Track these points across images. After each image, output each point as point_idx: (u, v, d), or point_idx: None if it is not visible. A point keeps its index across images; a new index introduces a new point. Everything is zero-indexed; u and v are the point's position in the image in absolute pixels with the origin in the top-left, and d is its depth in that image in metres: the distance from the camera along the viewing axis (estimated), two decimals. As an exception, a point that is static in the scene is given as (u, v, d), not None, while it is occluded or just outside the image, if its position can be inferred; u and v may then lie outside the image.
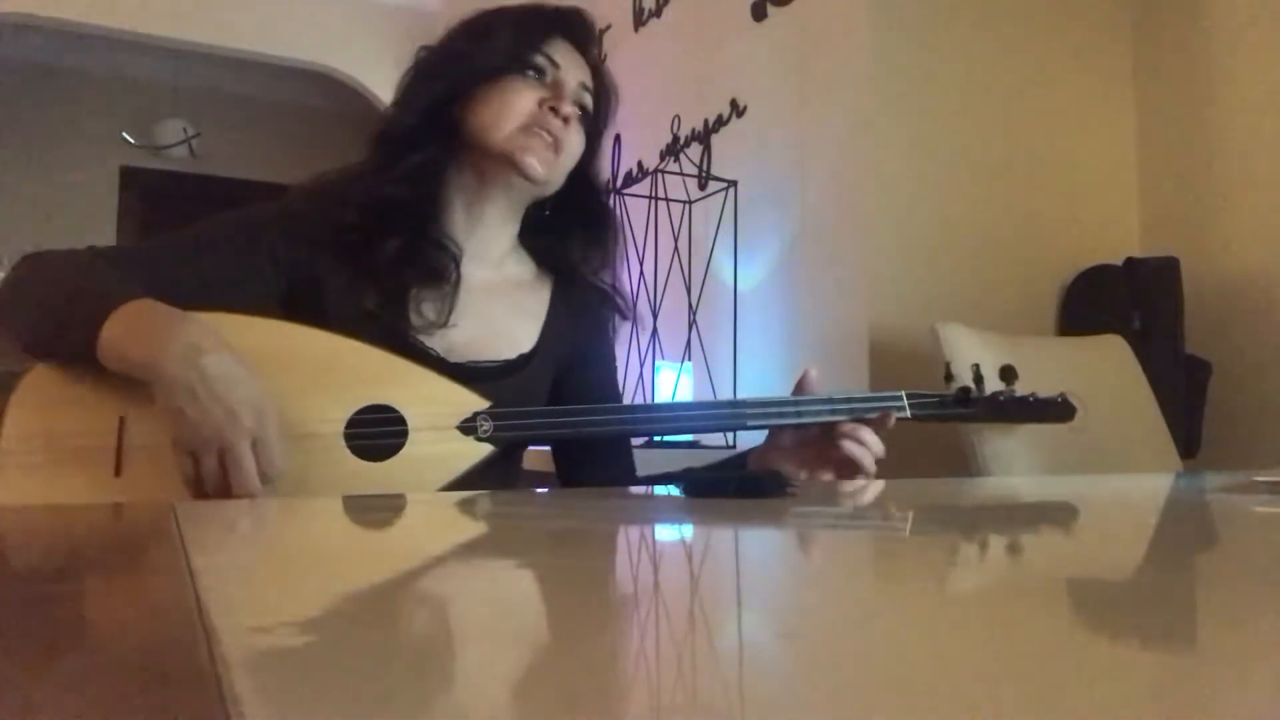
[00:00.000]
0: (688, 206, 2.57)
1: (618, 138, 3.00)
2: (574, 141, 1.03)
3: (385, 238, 0.97)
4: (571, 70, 1.04)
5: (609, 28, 3.11)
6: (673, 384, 2.37)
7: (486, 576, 0.42)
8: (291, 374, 0.85)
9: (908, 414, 1.00)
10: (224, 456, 0.78)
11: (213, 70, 5.05)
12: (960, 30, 2.18)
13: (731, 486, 0.75)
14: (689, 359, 2.44)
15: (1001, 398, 1.01)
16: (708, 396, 2.34)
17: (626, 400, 2.51)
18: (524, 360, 1.03)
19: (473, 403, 0.90)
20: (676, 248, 2.52)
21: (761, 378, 2.31)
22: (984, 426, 1.62)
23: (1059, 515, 0.73)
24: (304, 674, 0.23)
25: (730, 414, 0.99)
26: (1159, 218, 2.28)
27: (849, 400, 0.97)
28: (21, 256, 0.91)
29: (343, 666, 0.24)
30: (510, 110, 0.99)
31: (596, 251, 1.12)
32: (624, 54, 3.05)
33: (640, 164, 2.82)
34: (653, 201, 2.55)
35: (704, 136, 2.58)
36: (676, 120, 2.70)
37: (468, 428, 0.89)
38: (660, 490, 0.87)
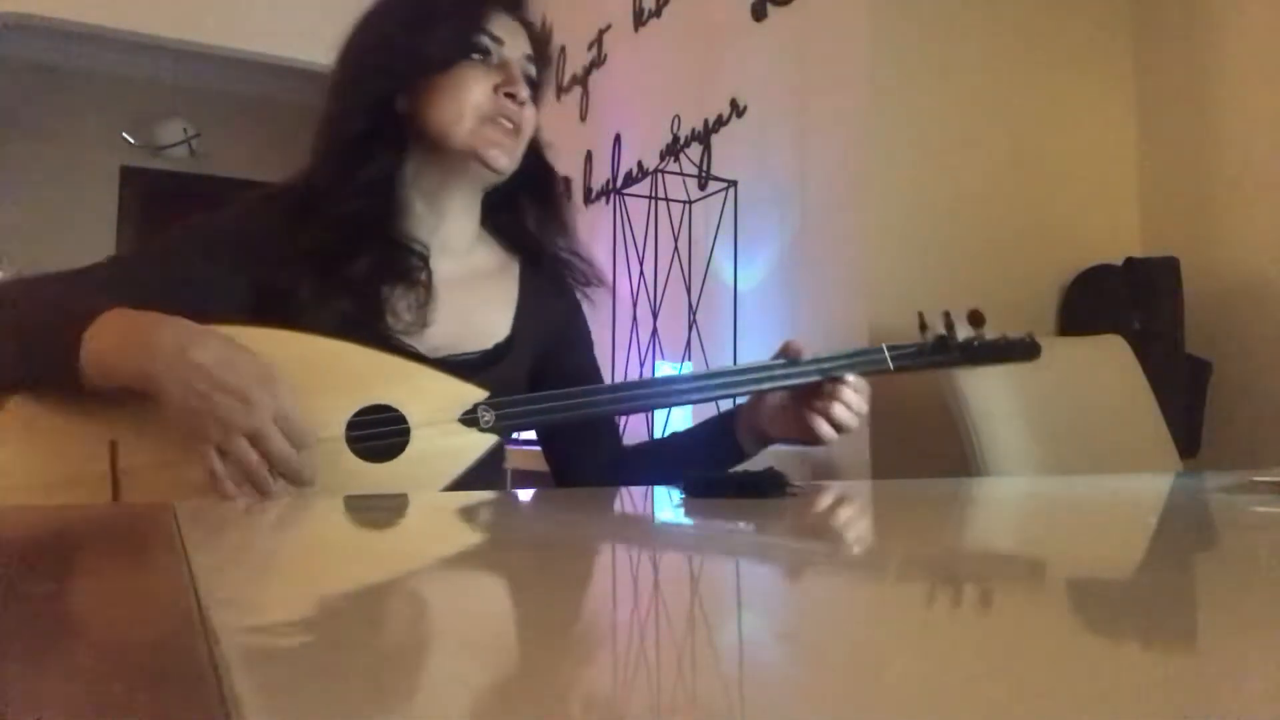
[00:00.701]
0: (688, 206, 2.57)
1: (617, 137, 3.00)
2: (532, 120, 1.02)
3: (352, 253, 0.94)
4: (515, 43, 1.01)
5: (609, 28, 3.11)
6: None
7: (486, 577, 0.42)
8: (287, 379, 0.84)
9: (890, 366, 1.00)
10: (252, 438, 0.75)
11: (213, 70, 5.05)
12: (960, 30, 2.17)
13: (731, 487, 0.75)
14: (689, 359, 2.44)
15: (975, 342, 1.02)
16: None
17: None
18: (502, 349, 1.02)
19: (469, 394, 0.90)
20: (676, 248, 2.52)
21: (761, 378, 2.31)
22: (979, 424, 1.62)
23: (1059, 515, 0.73)
24: (303, 674, 0.23)
25: (723, 382, 0.98)
26: (1159, 218, 2.28)
27: (833, 359, 0.98)
28: None
29: (342, 666, 0.24)
30: (467, 103, 0.96)
31: (550, 217, 1.10)
32: (624, 54, 3.05)
33: (640, 164, 2.82)
34: (653, 201, 2.55)
35: (704, 136, 2.58)
36: (676, 120, 2.70)
37: (469, 419, 0.89)
38: (660, 490, 0.87)
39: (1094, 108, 2.31)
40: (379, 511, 0.72)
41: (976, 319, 1.02)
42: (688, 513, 0.68)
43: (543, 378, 1.07)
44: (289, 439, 0.77)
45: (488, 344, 1.01)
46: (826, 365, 0.98)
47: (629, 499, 0.85)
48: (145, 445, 0.80)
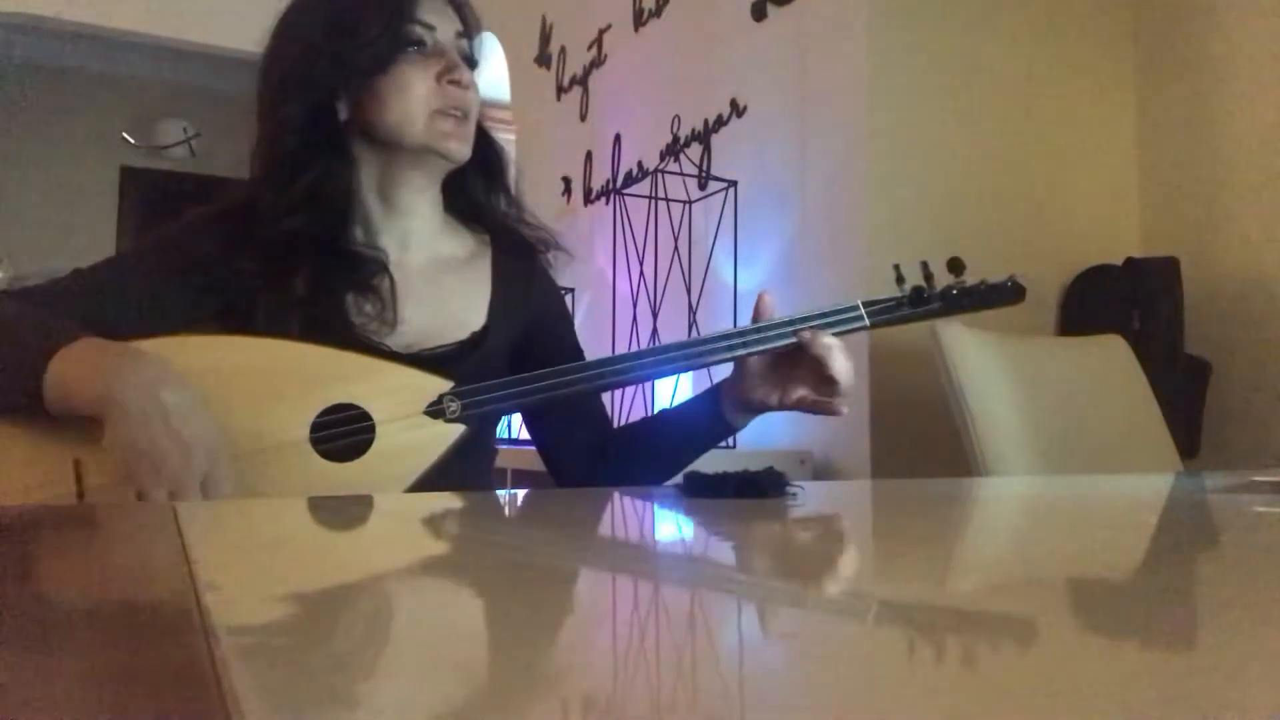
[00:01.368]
0: (688, 206, 2.57)
1: (617, 137, 3.00)
2: (477, 101, 0.99)
3: (304, 269, 0.92)
4: (446, 25, 0.98)
5: (609, 28, 3.11)
6: (672, 384, 2.37)
7: (486, 576, 0.42)
8: (245, 387, 0.83)
9: (866, 322, 0.98)
10: (173, 496, 0.75)
11: (213, 70, 5.04)
12: (960, 30, 2.17)
13: (731, 487, 0.75)
14: (689, 359, 2.44)
15: (955, 290, 1.00)
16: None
17: (624, 395, 2.51)
18: (479, 338, 1.00)
19: (434, 386, 0.89)
20: (676, 248, 2.52)
21: (761, 378, 2.30)
22: (980, 424, 1.62)
23: (1059, 515, 0.73)
24: (302, 672, 0.23)
25: (695, 352, 0.95)
26: (1159, 218, 2.28)
27: (807, 319, 0.95)
28: None
29: (341, 665, 0.24)
30: (414, 101, 0.94)
31: (496, 186, 1.08)
32: (624, 54, 3.05)
33: (640, 164, 2.82)
34: (653, 201, 2.55)
35: (704, 136, 2.58)
36: (676, 120, 2.70)
37: (435, 411, 0.88)
38: (660, 490, 0.87)
39: (1094, 108, 2.31)
40: (378, 512, 0.72)
41: (956, 265, 1.00)
42: (687, 514, 0.68)
43: (524, 362, 1.03)
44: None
45: (464, 334, 1.00)
46: (800, 324, 0.95)
47: (629, 500, 0.85)
48: (108, 463, 0.79)
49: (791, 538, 0.57)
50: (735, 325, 2.33)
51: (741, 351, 0.95)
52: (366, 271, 0.95)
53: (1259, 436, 1.99)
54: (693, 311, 2.43)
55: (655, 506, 0.76)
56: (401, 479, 0.86)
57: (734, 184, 2.39)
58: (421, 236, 1.03)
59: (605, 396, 1.14)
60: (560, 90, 3.35)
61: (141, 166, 5.44)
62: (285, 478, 0.82)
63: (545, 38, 3.45)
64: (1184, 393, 1.99)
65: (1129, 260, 2.11)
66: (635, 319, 2.60)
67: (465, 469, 0.91)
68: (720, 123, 2.52)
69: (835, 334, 0.95)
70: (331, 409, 0.85)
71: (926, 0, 2.14)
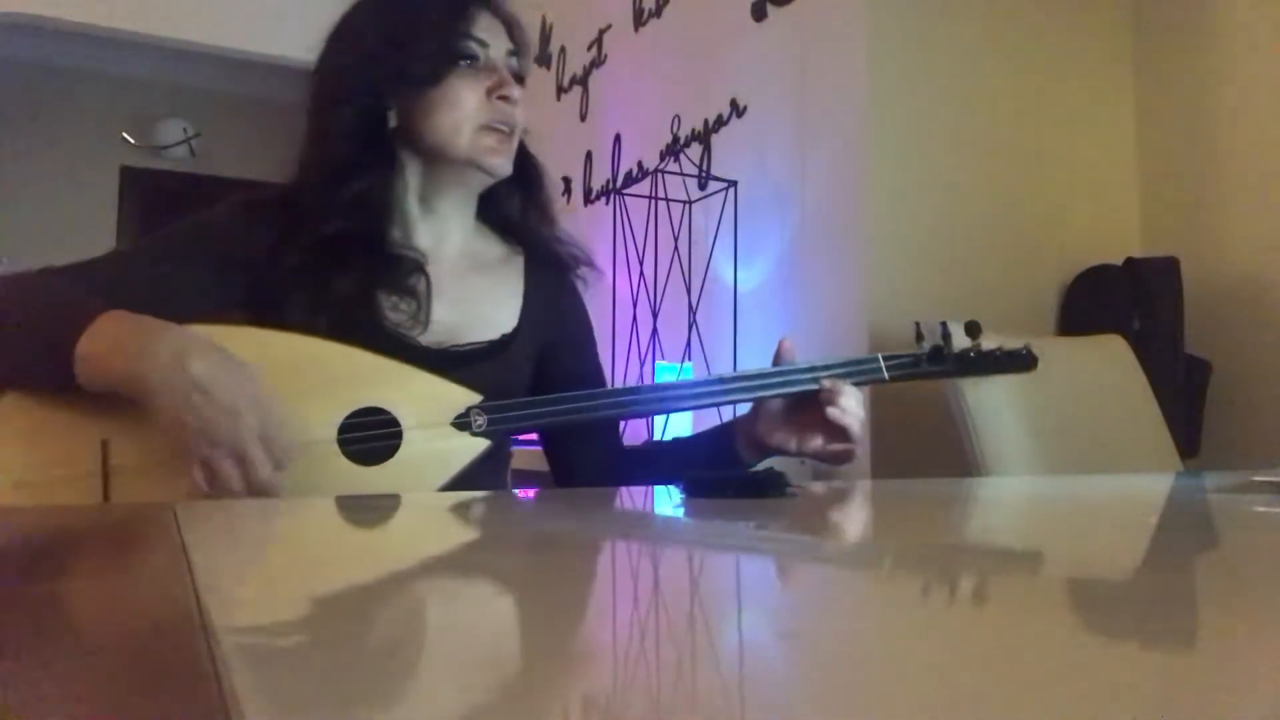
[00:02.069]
0: (688, 206, 2.57)
1: (617, 137, 3.00)
2: (523, 117, 1.01)
3: (344, 268, 0.93)
4: (498, 42, 0.99)
5: (609, 28, 3.11)
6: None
7: (484, 576, 0.42)
8: (276, 383, 0.83)
9: (885, 376, 1.00)
10: (236, 456, 0.76)
11: (213, 70, 5.04)
12: (960, 30, 2.17)
13: (732, 487, 0.75)
14: (689, 359, 2.44)
15: (971, 353, 1.02)
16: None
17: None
18: (507, 341, 1.02)
19: (462, 397, 0.90)
20: (676, 248, 2.52)
21: (761, 378, 2.30)
22: (980, 424, 1.62)
23: (1059, 515, 0.73)
24: (303, 673, 0.23)
25: (719, 389, 0.98)
26: (1159, 218, 2.28)
27: (829, 367, 0.98)
28: None
29: (341, 666, 0.24)
30: (463, 114, 0.96)
31: (533, 203, 1.09)
32: (624, 54, 3.05)
33: (640, 164, 2.82)
34: (653, 201, 2.55)
35: (704, 136, 2.58)
36: (676, 120, 2.70)
37: (462, 423, 0.89)
38: (660, 490, 0.87)
39: (1094, 108, 2.31)
40: (378, 511, 0.72)
41: (973, 329, 1.02)
42: (688, 513, 0.68)
43: (547, 374, 1.06)
44: (271, 459, 0.77)
45: (494, 335, 1.01)
46: (822, 373, 0.97)
47: (629, 500, 0.85)
48: (137, 445, 0.80)
49: (792, 538, 0.57)
50: (735, 328, 2.34)
51: (763, 393, 0.98)
52: (404, 272, 0.97)
53: (1259, 436, 1.99)
54: (693, 312, 2.43)
55: (655, 506, 0.76)
56: (424, 486, 0.87)
57: (734, 184, 2.39)
58: (455, 239, 1.04)
59: None
60: (560, 90, 3.35)
61: (141, 166, 5.44)
62: (309, 477, 0.82)
63: (545, 38, 3.45)
64: (1184, 393, 1.99)
65: (1129, 260, 2.11)
66: (635, 319, 2.60)
67: (482, 472, 0.92)
68: (720, 123, 2.52)
69: (854, 384, 0.98)
70: (360, 411, 0.86)
71: (926, 0, 2.14)
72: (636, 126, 2.92)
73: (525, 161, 1.08)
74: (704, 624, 0.32)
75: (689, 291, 2.45)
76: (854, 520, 0.72)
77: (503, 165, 0.99)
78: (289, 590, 0.37)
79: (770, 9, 2.36)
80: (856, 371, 0.99)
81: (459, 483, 0.88)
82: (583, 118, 3.22)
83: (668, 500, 0.77)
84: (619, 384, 2.18)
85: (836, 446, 0.97)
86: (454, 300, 1.00)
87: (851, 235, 2.09)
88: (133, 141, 5.34)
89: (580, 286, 1.13)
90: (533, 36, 3.77)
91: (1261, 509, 0.68)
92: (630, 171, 2.88)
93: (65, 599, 0.36)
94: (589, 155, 3.14)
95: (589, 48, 3.21)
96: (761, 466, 1.02)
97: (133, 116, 5.37)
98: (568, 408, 0.94)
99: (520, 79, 1.02)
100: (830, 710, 0.21)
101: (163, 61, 4.97)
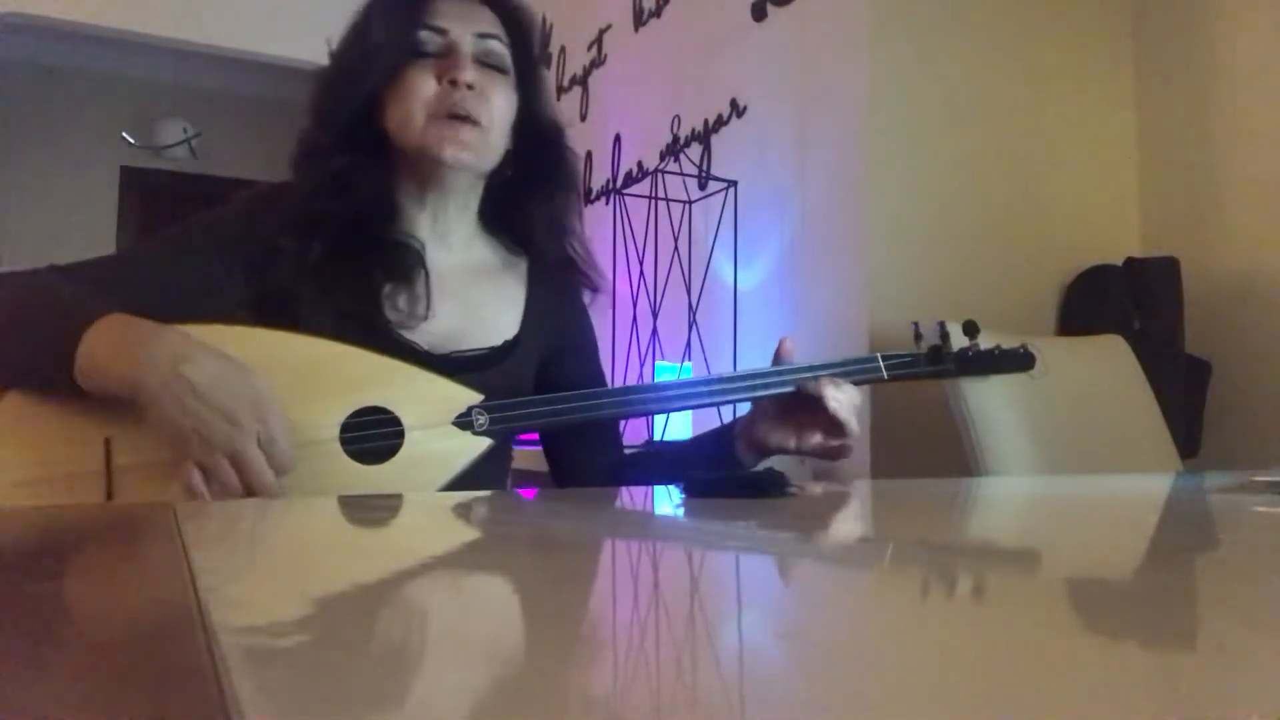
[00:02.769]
0: (688, 206, 2.57)
1: (617, 137, 3.00)
2: (495, 103, 0.98)
3: (347, 253, 0.94)
4: (463, 27, 0.97)
5: (609, 28, 3.11)
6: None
7: (485, 576, 0.42)
8: (278, 383, 0.83)
9: (884, 375, 1.00)
10: (234, 461, 0.76)
11: (213, 70, 5.04)
12: (960, 30, 2.17)
13: (732, 486, 0.75)
14: (689, 359, 2.44)
15: (970, 353, 1.02)
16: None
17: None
18: (509, 346, 1.02)
19: (464, 397, 0.90)
20: (676, 248, 2.52)
21: (761, 378, 2.30)
22: (979, 424, 1.62)
23: (1059, 515, 0.73)
24: (303, 674, 0.23)
25: (719, 388, 0.98)
26: (1159, 218, 2.28)
27: (828, 366, 0.99)
28: None
29: (342, 666, 0.24)
30: (414, 103, 0.95)
31: (559, 204, 1.08)
32: (624, 54, 3.05)
33: (640, 164, 2.82)
34: (653, 201, 2.55)
35: (704, 136, 2.58)
36: (676, 120, 2.70)
37: (464, 422, 0.89)
38: (660, 490, 0.87)
39: (1094, 107, 2.31)
40: (379, 511, 0.72)
41: (971, 329, 1.02)
42: (688, 513, 0.68)
43: (548, 380, 1.06)
44: (272, 464, 0.77)
45: (495, 341, 1.01)
46: (821, 372, 0.98)
47: (629, 500, 0.85)
48: (140, 444, 0.80)
49: (792, 538, 0.57)
50: (735, 328, 2.34)
51: (763, 392, 0.98)
52: (402, 260, 0.97)
53: (1259, 436, 1.99)
54: (693, 311, 2.43)
55: (656, 506, 0.76)
56: (426, 486, 0.87)
57: (734, 184, 2.39)
58: (455, 239, 1.04)
59: None
60: (560, 90, 3.35)
61: (141, 166, 5.44)
62: (312, 476, 0.83)
63: (545, 37, 3.45)
64: (1184, 393, 1.99)
65: (1129, 260, 2.11)
66: (635, 319, 2.60)
67: (484, 472, 0.92)
68: (720, 123, 2.52)
69: (853, 383, 0.98)
70: (362, 411, 0.86)
71: (926, 0, 2.14)
72: (636, 126, 2.92)
73: (552, 162, 1.07)
74: (704, 623, 0.32)
75: (689, 291, 2.45)
76: (854, 520, 0.72)
77: (459, 154, 0.96)
78: (289, 590, 0.37)
79: (770, 9, 2.36)
80: (856, 371, 1.00)
81: (461, 482, 0.88)
82: (583, 118, 3.23)
83: (668, 500, 0.77)
84: (619, 384, 2.18)
85: (835, 442, 0.97)
86: (455, 304, 1.00)
87: (851, 235, 2.09)
88: (133, 141, 5.34)
89: (587, 296, 1.13)
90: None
91: (1261, 509, 0.68)
92: (630, 171, 2.88)
93: (65, 599, 0.36)
94: (589, 155, 3.14)
95: (589, 48, 3.21)
96: (761, 466, 1.02)
97: (133, 116, 5.37)
98: (569, 407, 0.94)
99: (492, 62, 0.99)
100: (830, 710, 0.21)
101: (163, 61, 4.98)
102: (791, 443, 0.99)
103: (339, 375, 0.88)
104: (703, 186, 2.52)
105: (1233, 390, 2.04)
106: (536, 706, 0.21)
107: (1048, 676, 0.24)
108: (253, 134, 5.34)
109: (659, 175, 2.54)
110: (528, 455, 1.58)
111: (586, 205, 3.11)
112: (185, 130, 5.34)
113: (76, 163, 5.26)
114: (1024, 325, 2.06)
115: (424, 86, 0.95)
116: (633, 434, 2.39)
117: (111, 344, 0.78)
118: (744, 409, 1.04)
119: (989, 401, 1.64)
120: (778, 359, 1.00)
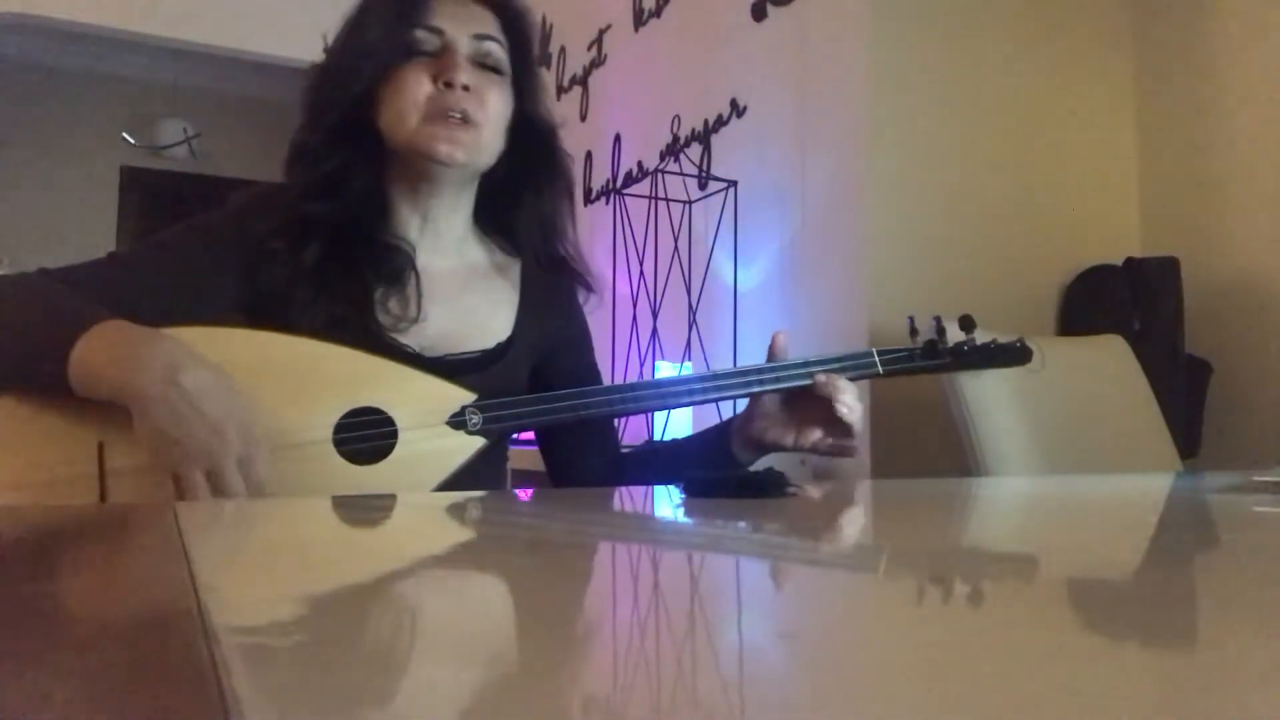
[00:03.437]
0: (688, 206, 2.57)
1: (618, 137, 3.00)
2: (490, 104, 0.98)
3: (337, 255, 0.94)
4: (460, 27, 0.97)
5: (609, 28, 3.11)
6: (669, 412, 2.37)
7: (484, 576, 0.42)
8: (271, 384, 0.83)
9: (879, 370, 1.00)
10: (210, 476, 0.76)
11: (213, 70, 5.04)
12: (960, 30, 2.17)
13: (731, 486, 0.75)
14: (689, 359, 2.44)
15: (965, 347, 1.02)
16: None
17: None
18: (503, 349, 1.01)
19: (458, 397, 0.89)
20: (676, 248, 2.52)
21: (761, 378, 2.31)
22: (980, 424, 1.62)
23: (1059, 515, 0.73)
24: (304, 673, 0.23)
25: (713, 385, 0.97)
26: (1159, 218, 2.28)
27: (823, 362, 0.98)
28: None
29: (341, 666, 0.24)
30: (407, 103, 0.94)
31: (551, 204, 1.08)
32: (624, 54, 3.05)
33: (640, 164, 2.82)
34: (653, 201, 2.55)
35: (704, 136, 2.58)
36: (676, 120, 2.70)
37: (457, 422, 0.89)
38: (660, 490, 0.87)
39: (1094, 108, 2.31)
40: (377, 511, 0.72)
41: (967, 323, 1.02)
42: (687, 512, 0.68)
43: (543, 380, 1.06)
44: (247, 483, 0.77)
45: (489, 343, 1.01)
46: (816, 368, 0.97)
47: (629, 500, 0.85)
48: (133, 447, 0.79)
49: (791, 538, 0.57)
50: (735, 328, 2.34)
51: (758, 389, 0.97)
52: (392, 262, 0.97)
53: (1259, 436, 1.99)
54: (693, 311, 2.43)
55: (655, 506, 0.76)
56: (420, 486, 0.87)
57: (734, 184, 2.39)
58: (448, 241, 1.04)
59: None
60: (560, 90, 3.35)
61: (141, 166, 5.45)
62: (305, 477, 0.82)
63: (545, 37, 3.45)
64: (1184, 393, 1.99)
65: (1129, 260, 2.11)
66: (635, 319, 2.60)
67: (479, 472, 0.92)
68: (720, 123, 2.52)
69: (849, 378, 0.97)
70: (355, 412, 0.86)
71: (926, 0, 2.14)
72: (636, 126, 2.92)
73: (538, 162, 1.06)
74: (704, 624, 0.32)
75: (689, 291, 2.45)
76: (853, 520, 0.72)
77: (452, 153, 0.95)
78: (289, 590, 0.37)
79: (770, 9, 2.36)
80: (851, 366, 0.99)
81: (455, 482, 0.88)
82: (583, 118, 3.23)
83: (667, 500, 0.77)
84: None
85: (839, 441, 0.97)
86: (447, 307, 1.00)
87: (851, 235, 2.09)
88: (133, 141, 5.34)
89: (582, 296, 1.13)
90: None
91: (1261, 509, 0.68)
92: (630, 171, 2.88)
93: (65, 599, 0.36)
94: (589, 155, 3.14)
95: (589, 48, 3.21)
96: (760, 466, 1.02)
97: (133, 116, 5.37)
98: (564, 405, 0.94)
99: (488, 63, 0.98)
100: (830, 710, 0.21)
101: (163, 61, 4.98)
102: (790, 439, 0.98)
103: (332, 376, 0.88)
104: (703, 186, 2.52)
105: (1233, 390, 2.04)
106: (535, 706, 0.21)
107: (1048, 677, 0.24)
108: (252, 134, 5.34)
109: (659, 175, 2.54)
110: (527, 455, 1.58)
111: (587, 205, 3.11)
112: (185, 130, 5.34)
113: (76, 163, 5.26)
114: (1024, 325, 2.05)
115: (418, 86, 0.95)
116: (633, 434, 2.39)
117: (106, 349, 0.78)
118: (741, 406, 1.04)
119: (989, 401, 1.64)
120: (772, 354, 1.00)
